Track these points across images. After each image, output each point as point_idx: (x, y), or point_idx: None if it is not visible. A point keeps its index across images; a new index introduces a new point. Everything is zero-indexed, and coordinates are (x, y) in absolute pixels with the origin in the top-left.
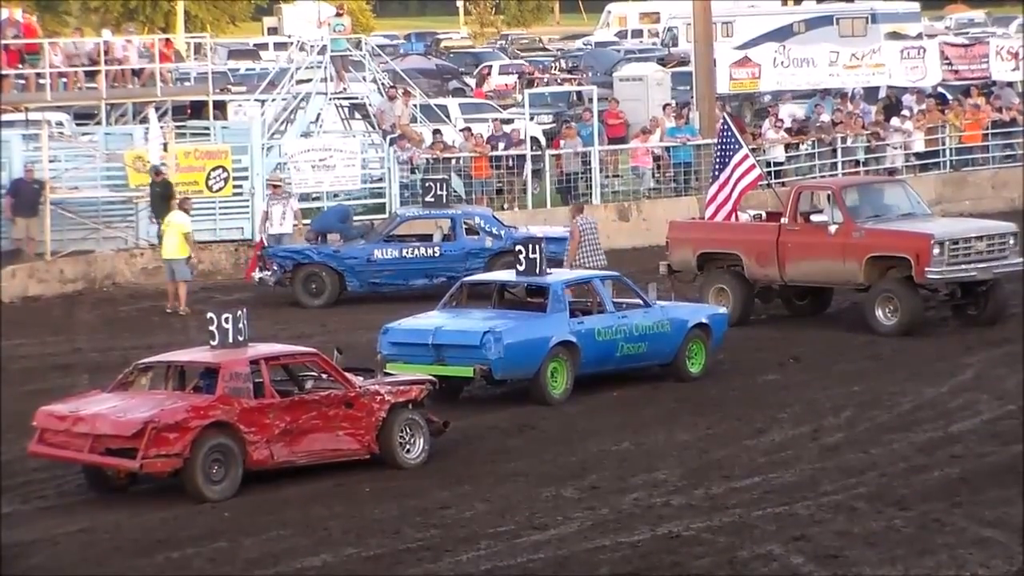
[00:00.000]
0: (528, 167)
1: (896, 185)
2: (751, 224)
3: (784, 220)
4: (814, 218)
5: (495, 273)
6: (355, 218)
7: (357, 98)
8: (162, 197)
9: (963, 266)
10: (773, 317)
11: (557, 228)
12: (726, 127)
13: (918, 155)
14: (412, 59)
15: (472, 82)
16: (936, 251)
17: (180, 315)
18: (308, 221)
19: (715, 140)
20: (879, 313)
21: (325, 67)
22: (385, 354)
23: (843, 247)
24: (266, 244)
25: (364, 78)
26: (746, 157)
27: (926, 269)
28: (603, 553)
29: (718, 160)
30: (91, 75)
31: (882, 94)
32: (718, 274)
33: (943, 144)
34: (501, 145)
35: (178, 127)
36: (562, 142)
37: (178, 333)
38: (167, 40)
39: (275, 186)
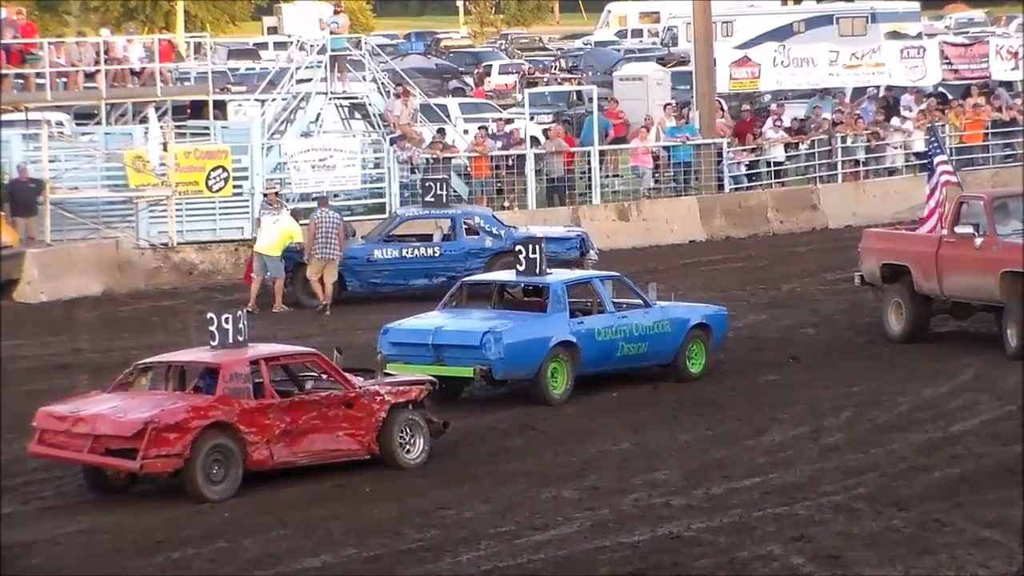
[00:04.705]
0: (530, 166)
1: None
2: (917, 235)
3: (943, 231)
4: (957, 229)
5: (495, 273)
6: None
7: (357, 98)
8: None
9: None
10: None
11: (558, 228)
12: (933, 134)
13: (918, 155)
14: (412, 59)
15: (472, 81)
16: None
17: (274, 312)
18: (306, 221)
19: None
20: (1008, 333)
21: (325, 67)
22: (385, 354)
23: (983, 261)
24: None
25: (364, 78)
26: (943, 162)
27: None
28: (603, 554)
29: (928, 168)
30: (91, 75)
31: (878, 93)
32: (896, 287)
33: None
34: (499, 144)
35: (178, 127)
36: (542, 142)
37: (178, 334)
38: (167, 40)
39: (267, 194)
